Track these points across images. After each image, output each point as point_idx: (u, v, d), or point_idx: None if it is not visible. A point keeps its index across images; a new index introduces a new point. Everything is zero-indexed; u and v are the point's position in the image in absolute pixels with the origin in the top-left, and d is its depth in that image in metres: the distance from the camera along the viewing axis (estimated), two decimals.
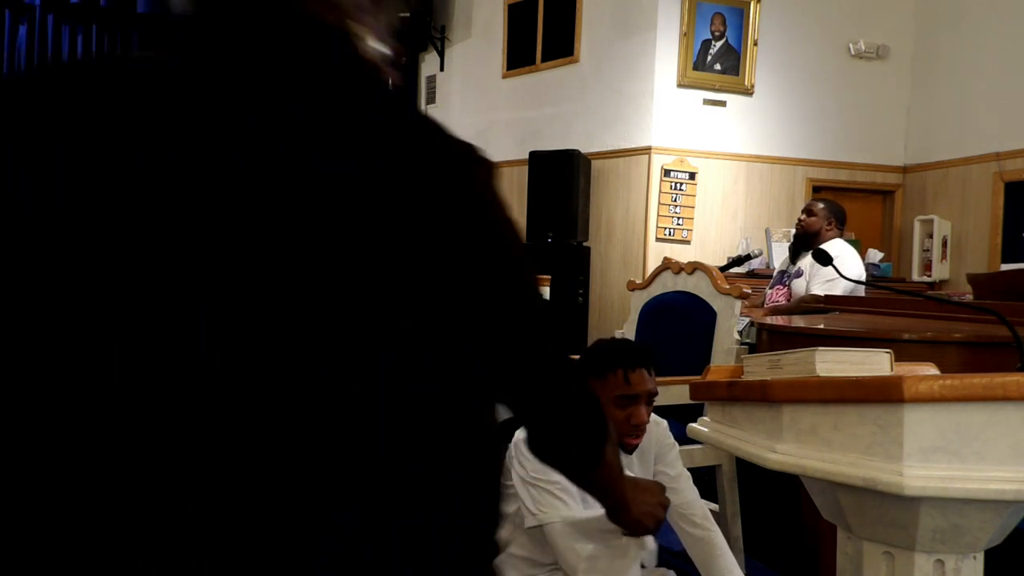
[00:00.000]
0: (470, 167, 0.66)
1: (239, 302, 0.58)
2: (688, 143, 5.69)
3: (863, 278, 3.70)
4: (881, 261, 5.83)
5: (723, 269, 3.24)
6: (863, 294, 3.47)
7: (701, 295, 2.93)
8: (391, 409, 0.60)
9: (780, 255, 4.60)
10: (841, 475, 0.93)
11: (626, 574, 1.55)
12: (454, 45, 7.26)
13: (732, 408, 1.16)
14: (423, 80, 7.66)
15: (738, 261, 3.82)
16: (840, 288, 3.29)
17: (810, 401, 0.98)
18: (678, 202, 5.63)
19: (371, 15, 0.70)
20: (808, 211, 3.69)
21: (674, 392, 2.23)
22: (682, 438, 1.90)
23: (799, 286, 3.59)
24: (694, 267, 3.00)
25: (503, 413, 0.73)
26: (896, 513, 0.94)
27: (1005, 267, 5.11)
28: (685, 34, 5.64)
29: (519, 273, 0.70)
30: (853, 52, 5.92)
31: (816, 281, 3.47)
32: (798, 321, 2.59)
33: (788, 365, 1.09)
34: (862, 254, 5.05)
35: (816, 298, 3.29)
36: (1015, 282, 2.67)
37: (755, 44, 5.75)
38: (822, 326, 2.38)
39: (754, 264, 5.20)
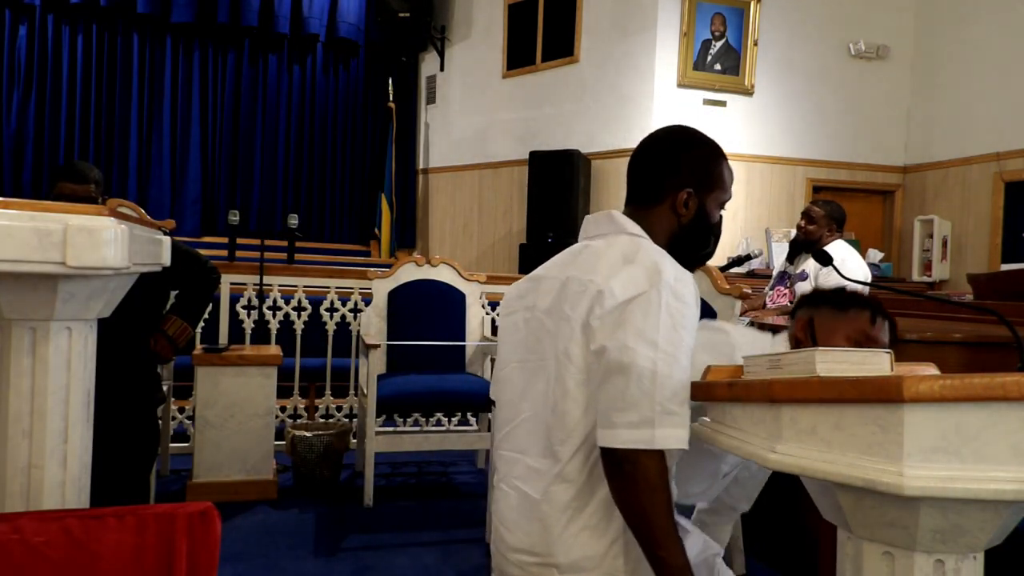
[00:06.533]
0: None
1: None
2: None
3: (868, 279, 3.69)
4: (881, 261, 5.83)
5: (723, 269, 3.23)
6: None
7: (701, 295, 2.92)
8: None
9: (780, 255, 4.60)
10: (841, 475, 0.93)
11: None
12: (454, 45, 7.26)
13: (732, 408, 1.16)
14: (423, 80, 7.65)
15: (738, 261, 3.81)
16: None
17: (810, 401, 0.98)
18: None
19: None
20: (809, 218, 3.63)
21: None
22: None
23: (804, 289, 3.58)
24: None
25: None
26: (896, 513, 0.94)
27: (1005, 267, 5.11)
28: (685, 34, 5.64)
29: None
30: (853, 52, 5.92)
31: (823, 285, 3.46)
32: None
33: (788, 365, 1.09)
34: (862, 254, 5.04)
35: None
36: (1015, 282, 2.67)
37: (755, 44, 5.75)
38: None
39: (754, 264, 5.20)
